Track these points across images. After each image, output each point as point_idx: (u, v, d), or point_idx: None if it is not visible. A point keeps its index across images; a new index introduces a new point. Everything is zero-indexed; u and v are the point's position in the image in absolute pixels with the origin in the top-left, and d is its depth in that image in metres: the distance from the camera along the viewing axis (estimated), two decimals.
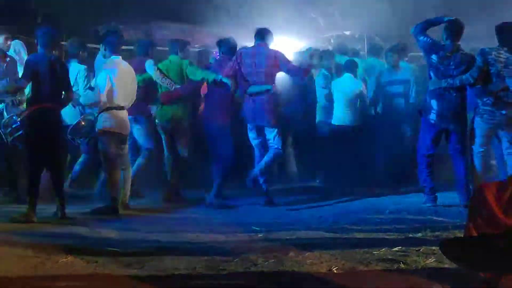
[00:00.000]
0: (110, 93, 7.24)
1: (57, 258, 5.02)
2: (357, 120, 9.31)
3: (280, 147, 7.72)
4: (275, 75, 7.61)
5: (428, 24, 7.28)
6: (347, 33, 13.66)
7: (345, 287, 4.26)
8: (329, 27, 14.04)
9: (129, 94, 7.46)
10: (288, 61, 7.70)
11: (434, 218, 6.56)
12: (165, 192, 8.27)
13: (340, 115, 9.24)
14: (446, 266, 4.45)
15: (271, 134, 7.64)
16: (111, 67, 7.34)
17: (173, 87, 7.88)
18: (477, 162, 7.20)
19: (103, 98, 7.23)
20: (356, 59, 9.96)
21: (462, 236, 3.74)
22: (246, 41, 8.89)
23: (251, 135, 7.80)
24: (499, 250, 3.00)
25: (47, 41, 6.98)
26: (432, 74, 7.29)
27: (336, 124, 9.30)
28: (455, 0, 11.74)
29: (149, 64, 8.00)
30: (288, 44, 10.39)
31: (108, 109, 7.27)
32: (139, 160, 8.24)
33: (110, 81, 7.23)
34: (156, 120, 8.28)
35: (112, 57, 7.41)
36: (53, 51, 7.19)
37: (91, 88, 7.82)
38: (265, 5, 12.57)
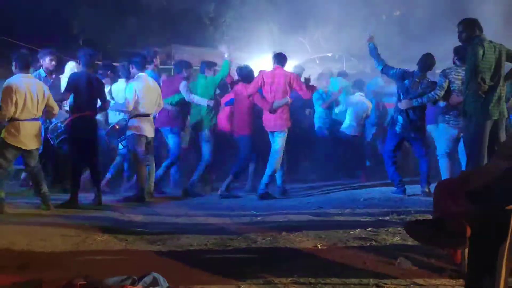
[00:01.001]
0: (137, 102, 7.24)
1: (95, 236, 5.04)
2: (360, 131, 9.32)
3: (280, 149, 7.54)
4: (290, 91, 7.59)
5: (376, 54, 7.36)
6: (329, 54, 13.68)
7: (327, 260, 4.27)
8: (315, 50, 14.07)
9: (153, 104, 7.44)
10: (301, 83, 7.62)
11: (400, 205, 6.57)
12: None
13: (351, 127, 9.23)
14: (409, 243, 4.46)
15: (278, 136, 7.54)
16: (137, 81, 7.34)
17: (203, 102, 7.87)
18: (443, 161, 7.18)
19: (130, 106, 7.23)
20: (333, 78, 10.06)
21: (422, 219, 3.75)
22: (247, 61, 8.89)
23: (271, 139, 7.70)
24: (449, 231, 3.02)
25: (87, 61, 6.99)
26: (402, 96, 7.23)
27: (346, 133, 9.29)
28: (418, 23, 11.78)
29: (183, 86, 7.94)
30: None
31: (136, 116, 7.28)
32: (167, 161, 8.18)
33: (136, 93, 7.23)
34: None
35: (139, 73, 7.42)
36: (92, 69, 7.22)
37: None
38: (263, 31, 12.62)
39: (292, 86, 7.56)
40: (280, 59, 7.67)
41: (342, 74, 10.53)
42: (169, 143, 8.15)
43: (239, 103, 7.91)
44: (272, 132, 7.61)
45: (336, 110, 9.50)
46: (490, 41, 5.97)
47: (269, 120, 7.61)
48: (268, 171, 7.53)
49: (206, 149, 7.90)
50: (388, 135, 7.57)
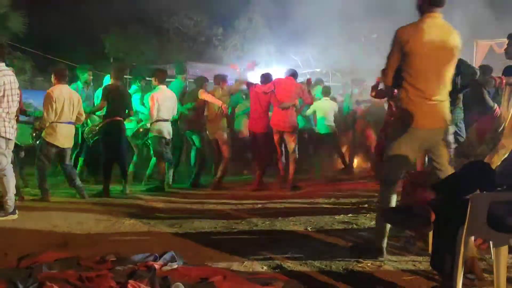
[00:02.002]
0: (157, 110, 7.21)
1: (123, 221, 5.05)
2: (333, 128, 9.25)
3: (296, 151, 7.45)
4: (297, 98, 7.54)
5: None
6: (318, 70, 13.68)
7: (316, 240, 4.27)
8: (305, 66, 14.08)
9: (171, 110, 7.39)
10: (306, 92, 7.65)
11: (376, 194, 6.53)
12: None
13: (323, 126, 9.20)
14: None
15: (290, 138, 7.44)
16: (158, 92, 7.31)
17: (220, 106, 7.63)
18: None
19: (152, 113, 7.21)
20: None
21: (395, 206, 3.76)
22: (250, 75, 8.85)
23: (275, 137, 7.56)
24: (417, 216, 3.02)
25: (117, 75, 6.99)
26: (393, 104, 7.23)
27: (320, 132, 9.25)
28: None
29: (201, 92, 7.70)
30: (277, 75, 10.32)
31: (157, 121, 7.26)
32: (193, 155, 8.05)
33: (156, 101, 7.21)
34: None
35: (159, 86, 7.39)
36: (121, 81, 7.22)
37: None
38: (262, 51, 12.65)
39: (299, 95, 7.56)
40: (293, 73, 7.75)
41: (318, 81, 10.35)
42: (195, 142, 8.08)
43: (256, 104, 7.71)
44: (279, 131, 7.49)
45: (307, 112, 9.39)
46: None
47: (276, 120, 7.47)
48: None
49: (225, 150, 7.70)
50: (383, 136, 7.49)
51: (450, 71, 3.50)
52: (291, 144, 7.43)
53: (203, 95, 7.68)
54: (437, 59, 3.43)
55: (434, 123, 3.48)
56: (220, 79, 7.94)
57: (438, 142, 3.52)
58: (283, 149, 7.60)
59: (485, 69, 6.53)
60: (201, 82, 8.20)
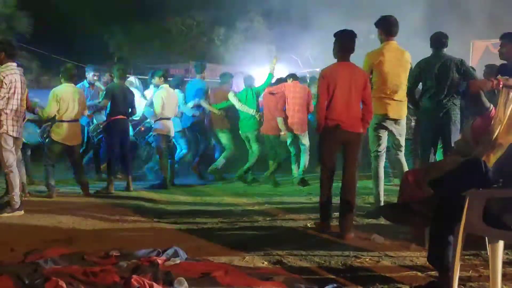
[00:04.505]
0: (162, 108, 7.20)
1: (127, 217, 5.05)
2: None
3: (308, 147, 7.50)
4: (305, 102, 7.52)
5: None
6: (317, 69, 13.62)
7: (315, 236, 4.28)
8: (305, 65, 14.06)
9: (173, 109, 7.39)
10: (311, 98, 7.61)
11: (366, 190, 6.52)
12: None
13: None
14: (382, 222, 4.46)
15: (303, 138, 7.52)
16: (163, 91, 7.30)
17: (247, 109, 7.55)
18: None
19: (158, 110, 7.19)
20: None
21: (393, 203, 3.76)
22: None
23: (288, 138, 7.56)
24: (414, 213, 3.02)
25: (121, 75, 6.99)
26: None
27: None
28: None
29: (230, 95, 7.69)
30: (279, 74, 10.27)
31: (160, 119, 7.25)
32: (224, 154, 7.96)
33: (163, 100, 7.20)
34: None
35: (164, 84, 7.38)
36: (124, 81, 7.21)
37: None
38: (263, 50, 12.64)
39: (307, 101, 7.52)
40: (296, 76, 7.75)
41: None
42: (222, 141, 7.96)
43: (268, 108, 7.64)
44: (292, 133, 7.49)
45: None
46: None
47: (292, 124, 7.45)
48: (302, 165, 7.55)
49: (255, 147, 7.64)
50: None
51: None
52: (305, 142, 7.50)
53: (233, 100, 7.62)
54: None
55: None
56: (250, 81, 7.85)
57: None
58: (295, 146, 7.58)
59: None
60: (227, 78, 8.16)
